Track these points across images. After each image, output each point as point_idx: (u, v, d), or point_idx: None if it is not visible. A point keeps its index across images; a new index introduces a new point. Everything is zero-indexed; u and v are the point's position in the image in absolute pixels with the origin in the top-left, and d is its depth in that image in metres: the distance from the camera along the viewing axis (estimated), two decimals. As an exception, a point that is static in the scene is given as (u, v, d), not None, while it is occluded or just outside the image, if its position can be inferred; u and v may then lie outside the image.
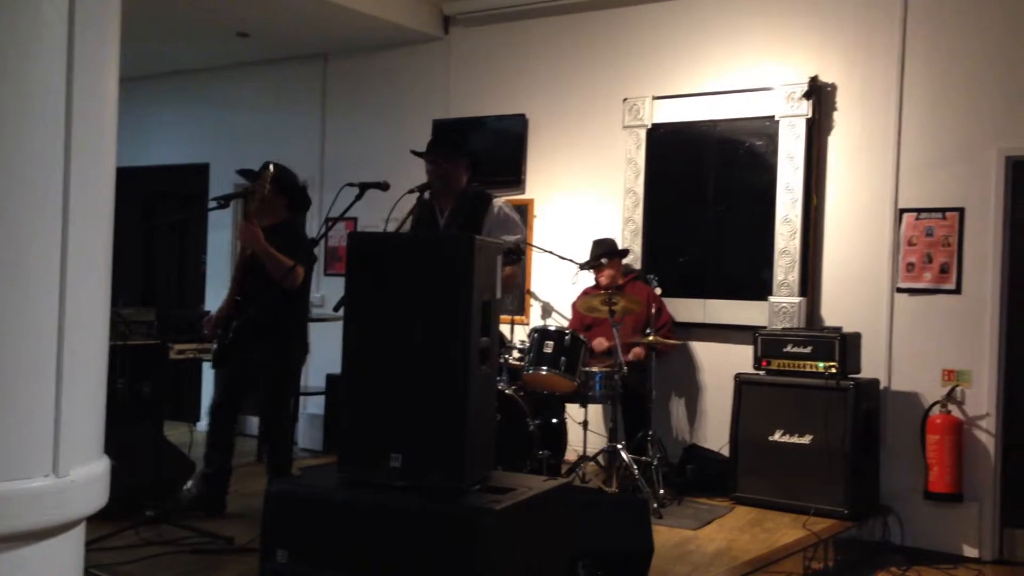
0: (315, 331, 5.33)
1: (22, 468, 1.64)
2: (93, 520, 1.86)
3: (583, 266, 6.08)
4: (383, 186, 4.35)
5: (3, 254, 1.63)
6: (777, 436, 5.57)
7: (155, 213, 9.21)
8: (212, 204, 5.01)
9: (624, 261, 6.35)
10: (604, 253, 6.13)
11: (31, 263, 1.67)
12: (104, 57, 1.83)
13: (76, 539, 1.80)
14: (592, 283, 6.34)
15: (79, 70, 1.72)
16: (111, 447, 1.95)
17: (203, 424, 6.01)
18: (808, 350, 5.57)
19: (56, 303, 1.70)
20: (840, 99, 6.01)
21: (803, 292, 5.98)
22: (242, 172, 5.23)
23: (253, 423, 7.06)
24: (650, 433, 5.63)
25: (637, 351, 5.92)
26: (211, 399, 5.25)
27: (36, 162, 1.68)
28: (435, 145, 4.74)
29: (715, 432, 6.15)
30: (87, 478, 1.76)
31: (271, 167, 4.83)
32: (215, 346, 5.05)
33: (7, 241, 1.64)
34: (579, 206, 6.87)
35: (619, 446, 5.39)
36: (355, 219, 7.18)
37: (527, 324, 6.79)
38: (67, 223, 1.71)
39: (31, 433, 1.66)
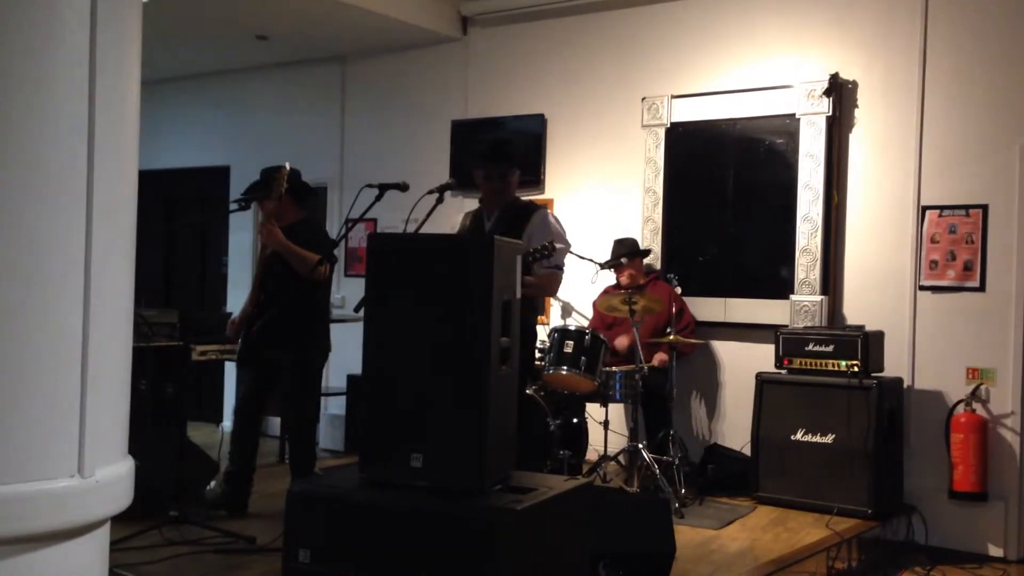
0: (336, 332, 5.35)
1: (48, 469, 1.66)
2: (117, 520, 1.87)
3: (604, 265, 6.07)
4: (402, 187, 4.36)
5: (28, 257, 1.64)
6: (799, 435, 5.54)
7: (176, 215, 9.27)
8: (233, 206, 5.07)
9: (645, 261, 6.34)
10: (625, 253, 6.12)
11: (56, 266, 1.68)
12: (125, 60, 1.84)
13: (101, 539, 1.82)
14: (613, 282, 6.33)
15: (101, 74, 1.74)
16: (134, 448, 1.96)
17: (228, 424, 6.04)
18: (830, 349, 5.54)
19: (80, 306, 1.71)
20: (861, 96, 5.97)
21: (825, 290, 5.94)
22: (248, 190, 5.27)
23: (275, 423, 7.09)
24: (671, 432, 5.61)
25: (661, 357, 5.90)
26: (235, 399, 5.30)
27: (60, 166, 1.69)
28: (494, 159, 4.76)
29: (736, 431, 6.12)
30: (111, 479, 1.77)
31: (287, 166, 4.89)
32: (239, 345, 5.10)
33: (32, 244, 1.65)
34: (598, 205, 6.86)
35: (640, 446, 5.38)
36: (375, 220, 7.20)
37: (547, 324, 6.78)
38: (91, 226, 1.73)
39: (56, 434, 1.68)
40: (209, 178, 8.74)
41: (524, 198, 4.89)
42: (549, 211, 4.78)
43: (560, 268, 4.62)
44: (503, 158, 4.76)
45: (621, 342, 5.95)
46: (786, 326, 5.89)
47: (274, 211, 4.93)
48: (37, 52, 1.66)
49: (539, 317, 6.52)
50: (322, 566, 3.06)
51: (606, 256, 6.24)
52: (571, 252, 6.31)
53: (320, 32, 7.39)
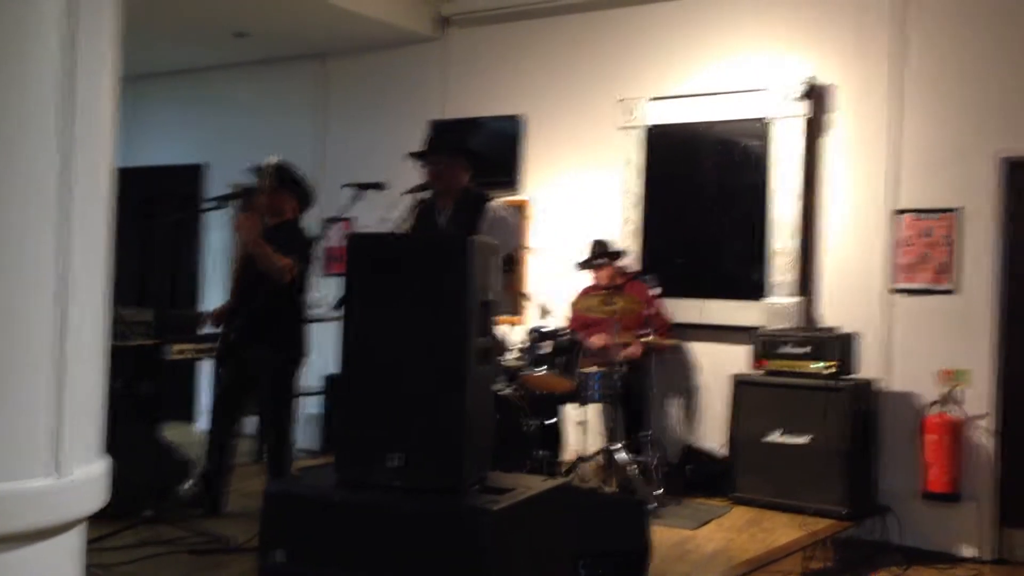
0: (313, 331, 5.32)
1: (23, 468, 1.64)
2: (92, 520, 1.86)
3: (580, 265, 6.09)
4: (380, 186, 4.36)
5: (3, 254, 1.63)
6: (775, 436, 5.57)
7: (152, 213, 9.19)
8: (210, 204, 5.04)
9: (622, 262, 6.35)
10: (601, 253, 6.13)
11: (31, 263, 1.67)
12: (104, 56, 1.83)
13: (77, 539, 1.80)
14: (590, 283, 6.34)
15: (79, 69, 1.72)
16: (110, 447, 1.95)
17: (201, 424, 6.00)
18: (806, 350, 5.57)
19: (56, 303, 1.70)
20: (837, 100, 6.02)
21: (800, 292, 5.98)
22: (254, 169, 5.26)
23: (252, 423, 7.06)
24: (648, 433, 5.63)
25: (632, 350, 5.90)
26: (211, 398, 5.26)
27: (36, 161, 1.67)
28: (429, 146, 4.75)
29: (713, 432, 6.15)
30: (88, 478, 1.76)
31: (273, 160, 4.85)
32: (218, 344, 5.07)
33: (7, 241, 1.63)
34: (576, 207, 6.87)
35: (618, 446, 5.39)
36: (353, 219, 7.17)
37: (524, 324, 6.78)
38: (66, 223, 1.71)
39: (32, 433, 1.66)
40: (186, 176, 8.68)
41: (476, 191, 4.78)
42: (500, 204, 4.71)
43: (511, 270, 4.56)
44: (442, 147, 4.71)
45: (596, 340, 5.96)
46: (762, 328, 5.93)
47: (260, 206, 4.91)
48: (14, 45, 1.64)
49: (512, 318, 6.54)
50: (298, 566, 3.05)
51: (582, 258, 6.25)
52: (550, 254, 6.36)
53: (299, 30, 7.36)
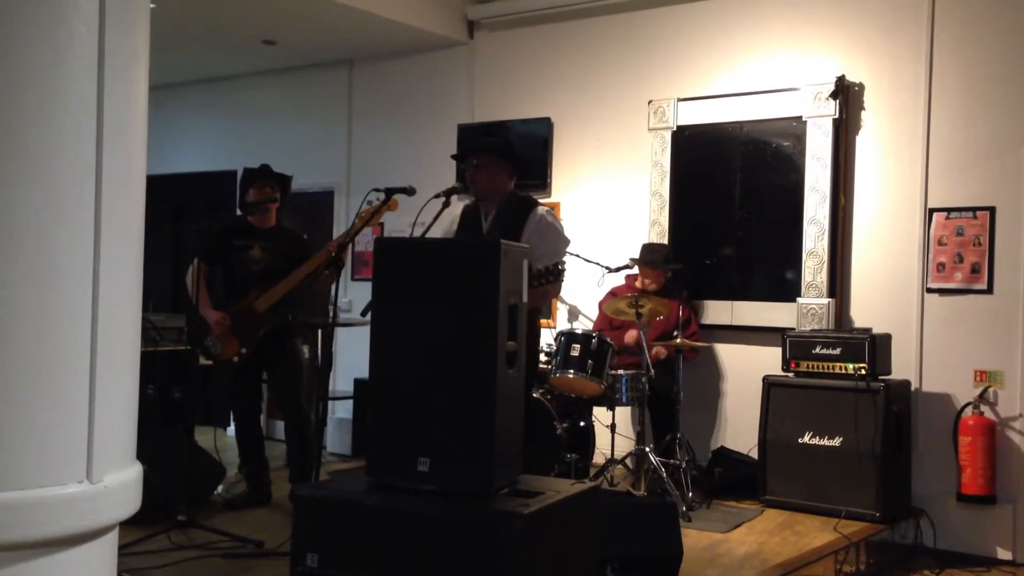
0: (343, 335, 5.39)
1: (57, 474, 1.67)
2: (125, 525, 1.88)
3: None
4: (409, 191, 4.37)
5: (37, 262, 1.65)
6: (807, 438, 5.53)
7: (184, 220, 9.29)
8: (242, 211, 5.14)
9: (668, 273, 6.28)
10: (652, 259, 6.09)
11: (65, 271, 1.69)
12: (134, 67, 1.85)
13: (110, 544, 1.83)
14: (619, 284, 6.32)
15: (110, 81, 1.75)
16: (142, 452, 1.97)
17: (231, 429, 6.09)
18: (837, 352, 5.53)
19: (89, 310, 1.72)
20: (868, 98, 5.97)
21: (832, 293, 5.94)
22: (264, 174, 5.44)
23: (279, 427, 7.11)
24: (678, 436, 5.61)
25: (659, 350, 5.88)
26: (233, 401, 5.45)
27: (69, 172, 1.70)
28: (470, 147, 4.75)
29: (744, 435, 6.11)
30: (120, 484, 1.78)
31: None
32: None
33: (41, 249, 1.66)
34: (605, 209, 6.86)
35: (647, 449, 5.37)
36: (382, 224, 7.21)
37: (554, 327, 6.78)
38: (99, 231, 1.74)
39: (65, 440, 1.69)
40: (217, 183, 8.76)
41: (521, 196, 4.80)
42: (546, 209, 4.71)
43: (563, 272, 4.54)
44: (482, 149, 4.71)
45: (631, 335, 5.92)
46: (793, 329, 5.89)
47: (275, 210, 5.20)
48: (46, 60, 1.67)
49: (541, 320, 6.53)
50: (330, 570, 3.07)
51: (611, 260, 6.23)
52: (579, 256, 6.35)
53: (327, 37, 7.41)
